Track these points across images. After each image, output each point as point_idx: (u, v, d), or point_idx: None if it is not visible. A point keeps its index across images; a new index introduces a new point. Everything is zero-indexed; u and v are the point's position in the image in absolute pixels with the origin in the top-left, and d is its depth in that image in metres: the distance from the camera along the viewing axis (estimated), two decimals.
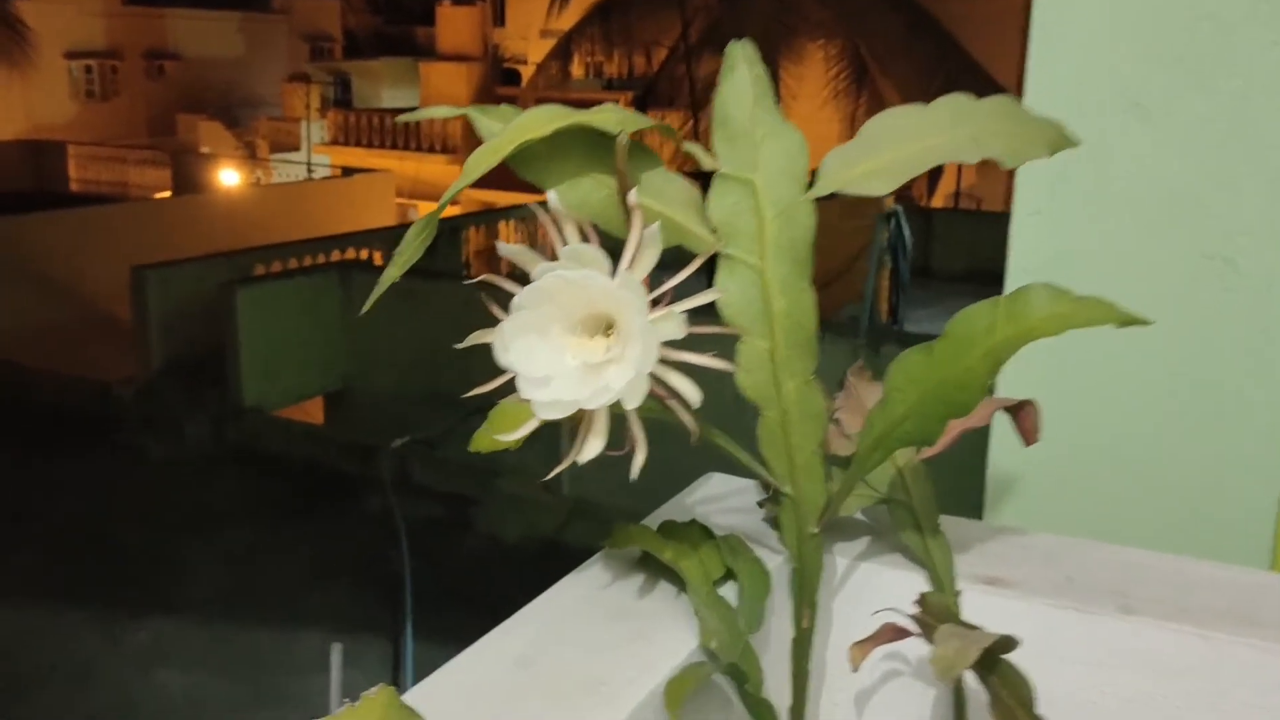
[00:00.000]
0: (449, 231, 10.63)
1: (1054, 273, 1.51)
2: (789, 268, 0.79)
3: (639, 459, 0.73)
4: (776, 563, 0.99)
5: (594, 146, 0.79)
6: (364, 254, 9.63)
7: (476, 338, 0.73)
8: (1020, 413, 0.99)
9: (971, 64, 13.46)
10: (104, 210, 12.88)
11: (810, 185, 0.78)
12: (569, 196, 0.79)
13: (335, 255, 9.02)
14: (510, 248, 0.71)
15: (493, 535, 6.03)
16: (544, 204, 0.75)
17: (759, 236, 0.79)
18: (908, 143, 0.77)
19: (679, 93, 14.59)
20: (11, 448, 7.27)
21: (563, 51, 15.97)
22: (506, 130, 0.76)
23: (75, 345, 9.30)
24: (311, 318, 7.85)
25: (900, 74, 14.15)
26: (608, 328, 0.73)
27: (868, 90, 15.03)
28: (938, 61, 13.22)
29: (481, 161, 0.75)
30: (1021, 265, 1.52)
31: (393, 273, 0.77)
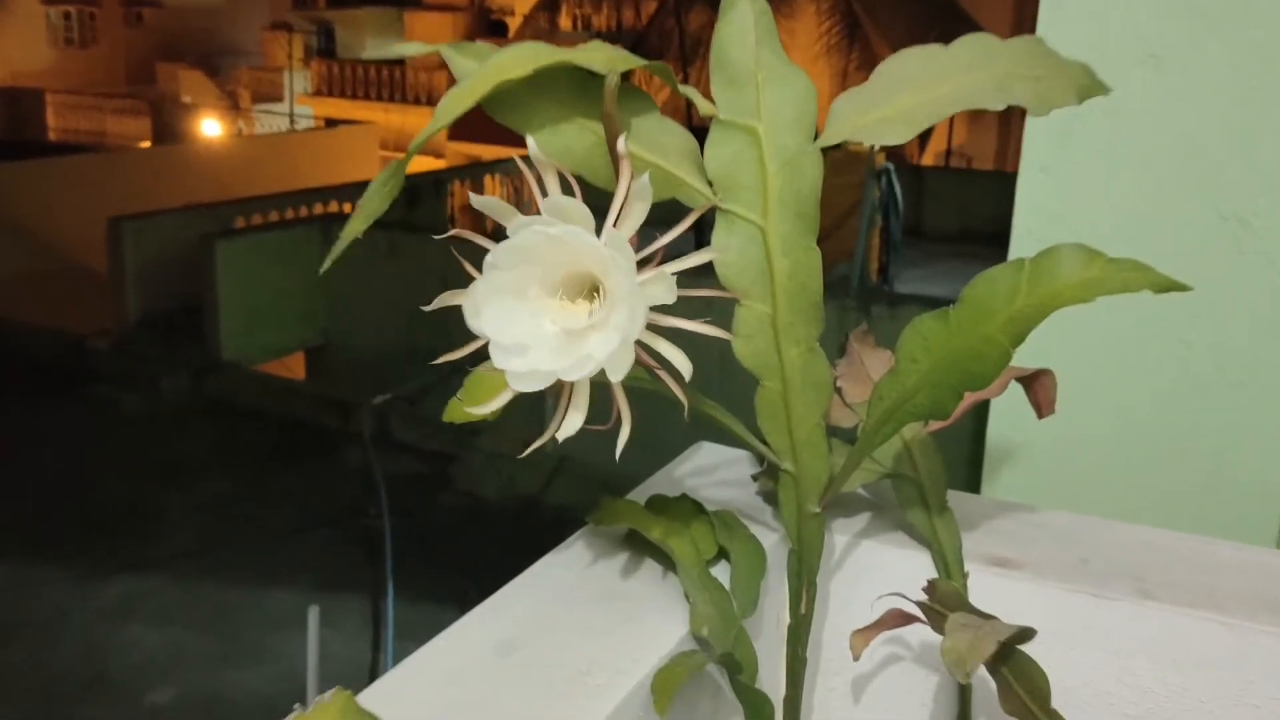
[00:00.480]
0: (433, 185, 10.48)
1: (1060, 233, 1.44)
2: (793, 224, 0.72)
3: (624, 434, 0.67)
4: (771, 541, 0.93)
5: (579, 89, 0.72)
6: (347, 207, 9.49)
7: (445, 299, 0.66)
8: (1035, 383, 0.92)
9: (965, 17, 13.31)
10: (81, 159, 12.64)
11: (817, 135, 0.71)
12: (550, 144, 0.72)
13: (318, 208, 8.87)
14: (485, 200, 0.64)
15: (472, 493, 5.97)
16: (525, 155, 0.67)
17: (761, 190, 0.72)
18: (927, 87, 0.69)
19: (668, 46, 14.39)
20: None
21: (550, 3, 15.73)
22: (482, 69, 0.68)
23: (51, 297, 9.16)
24: (292, 272, 7.71)
25: (893, 28, 13.98)
26: (591, 290, 0.66)
27: (859, 45, 14.86)
28: (931, 15, 13.06)
29: (455, 104, 0.68)
30: (1027, 225, 1.45)
31: (355, 227, 0.69)
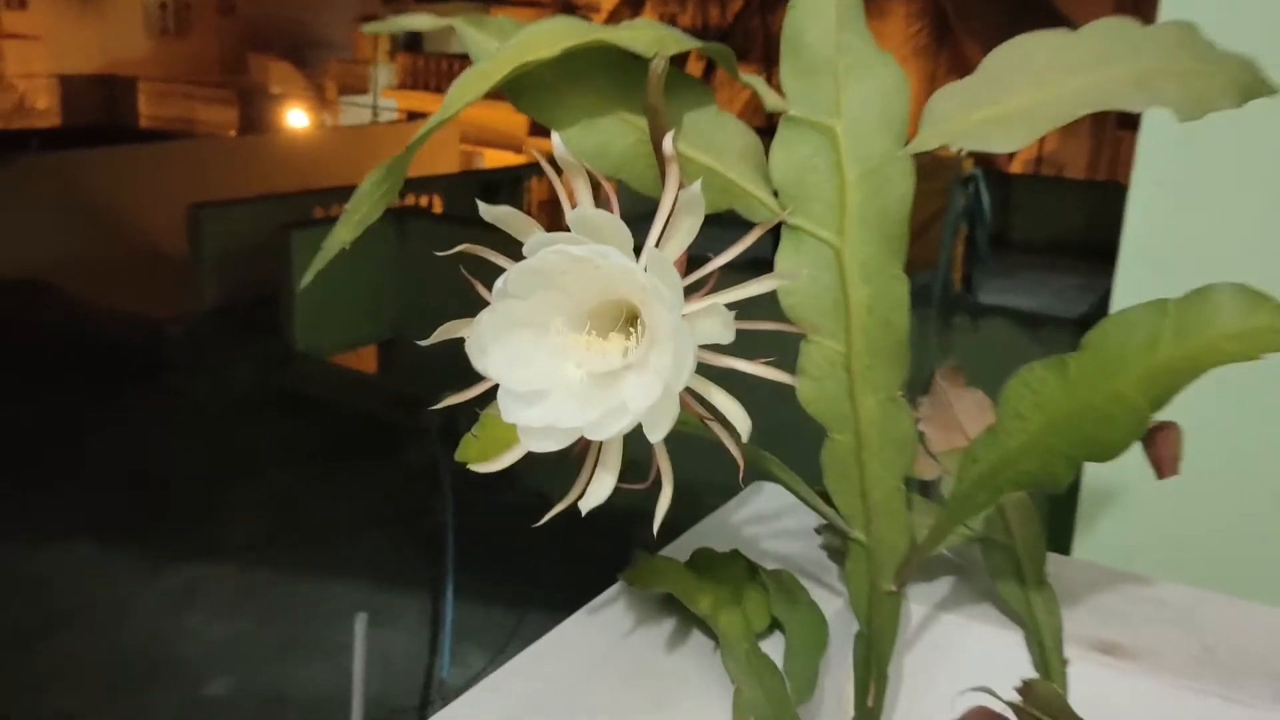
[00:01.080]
0: (511, 182, 10.45)
1: (1175, 257, 1.29)
2: (876, 246, 0.59)
3: (664, 500, 0.54)
4: (836, 607, 0.80)
5: (620, 75, 0.60)
6: (423, 200, 9.47)
7: (446, 332, 0.54)
8: (1156, 438, 0.78)
9: (1062, 18, 12.93)
10: (166, 147, 12.82)
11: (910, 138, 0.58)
12: (583, 142, 0.60)
13: (394, 201, 8.82)
14: (496, 210, 0.52)
15: (539, 493, 5.89)
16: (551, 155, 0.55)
17: (838, 203, 0.59)
18: (1049, 83, 0.56)
19: (753, 47, 14.22)
20: (60, 382, 7.26)
21: (635, 0, 15.62)
22: (503, 49, 0.56)
23: (134, 282, 9.28)
24: (366, 264, 7.70)
25: (984, 29, 13.63)
26: (628, 322, 0.54)
27: (949, 47, 14.53)
28: (1026, 16, 12.70)
29: (467, 89, 0.56)
30: (1138, 245, 1.30)
31: (343, 235, 0.58)
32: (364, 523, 5.66)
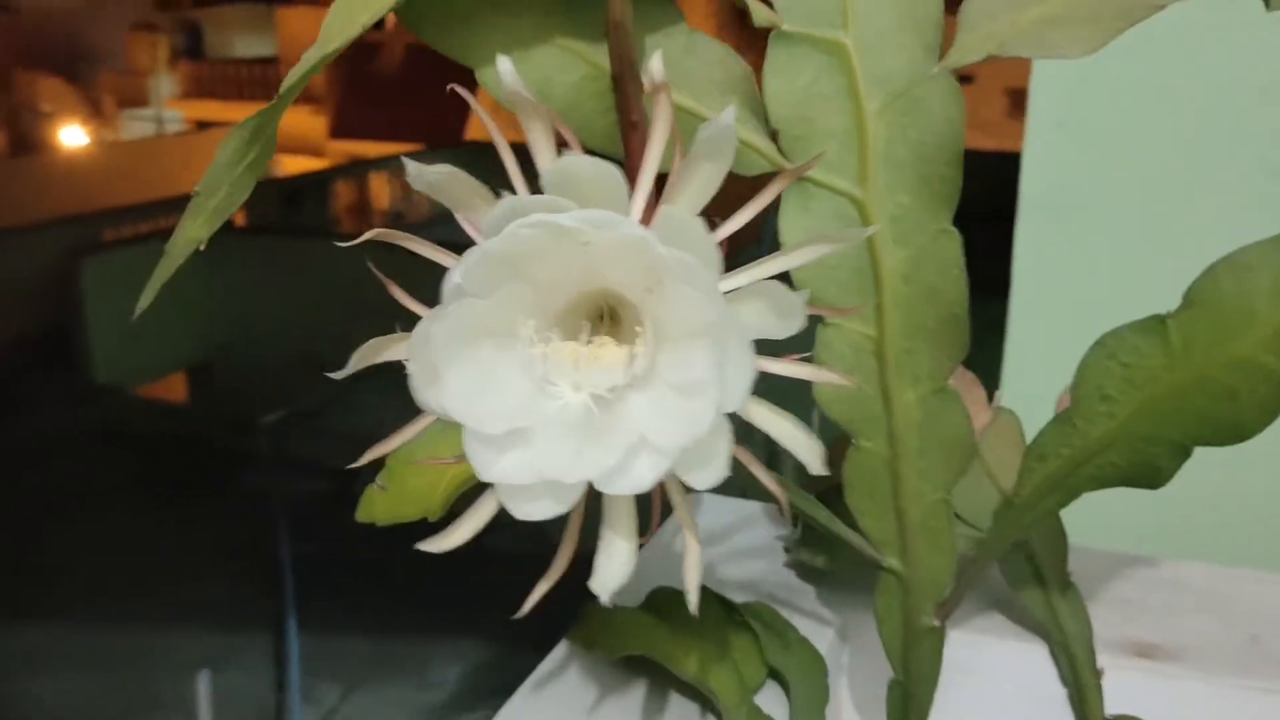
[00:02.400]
0: (315, 186, 9.98)
1: (1081, 201, 1.21)
2: (912, 194, 0.45)
3: (693, 575, 0.40)
4: (827, 641, 0.67)
5: None
6: None
7: (365, 357, 0.38)
8: None
9: None
10: None
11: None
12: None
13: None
14: (431, 171, 0.36)
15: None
16: (458, 106, 0.40)
17: (856, 142, 0.45)
18: None
19: None
20: None
21: None
22: None
23: None
24: (169, 285, 7.18)
25: None
26: (602, 318, 0.40)
27: None
28: None
29: (351, 12, 0.40)
30: (1038, 192, 1.21)
31: (194, 232, 0.41)
32: (195, 561, 5.27)
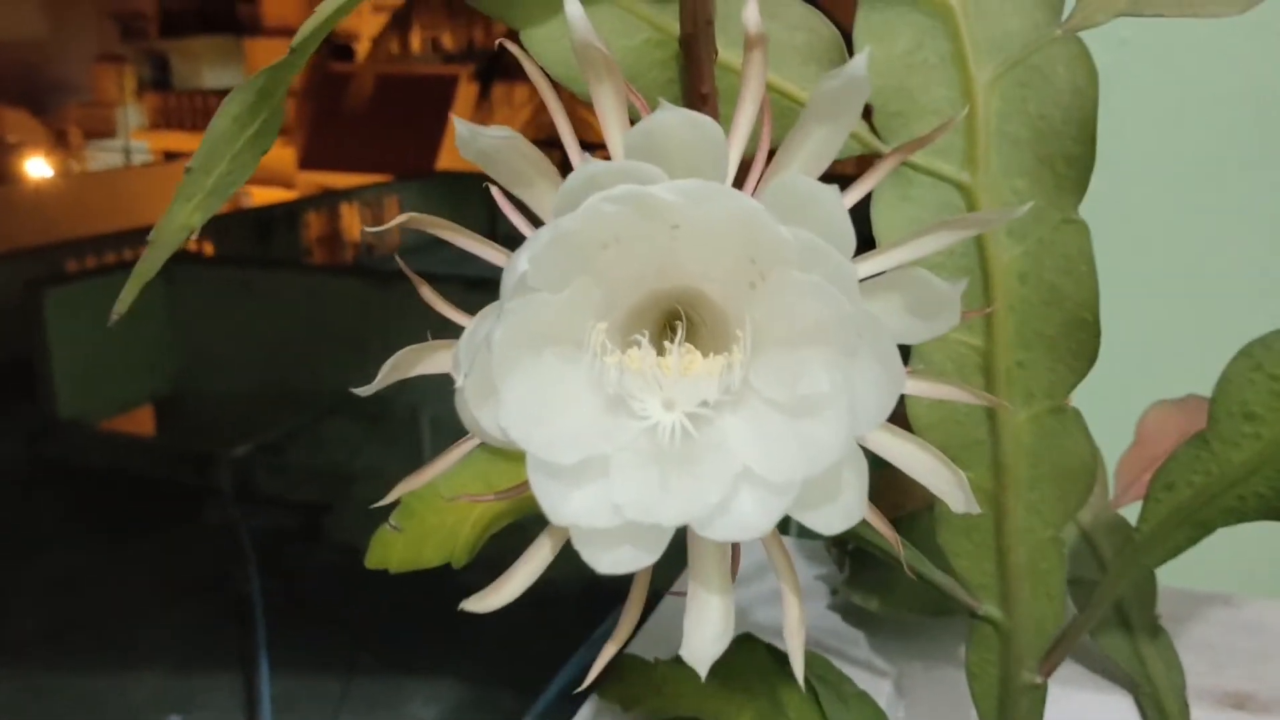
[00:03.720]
0: (286, 217, 9.87)
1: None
2: (1030, 179, 0.39)
3: (796, 643, 0.33)
4: (885, 694, 0.60)
5: None
6: (191, 245, 8.79)
7: (399, 369, 0.31)
8: None
9: None
10: None
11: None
12: (558, 49, 0.38)
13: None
14: (488, 135, 0.29)
15: (351, 547, 5.50)
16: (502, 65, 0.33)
17: (965, 119, 0.39)
18: None
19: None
20: None
21: (400, 23, 15.11)
22: None
23: None
24: (134, 317, 7.04)
25: None
26: (671, 325, 0.33)
27: None
28: None
29: None
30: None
31: (185, 218, 0.34)
32: (161, 600, 5.12)
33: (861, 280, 0.30)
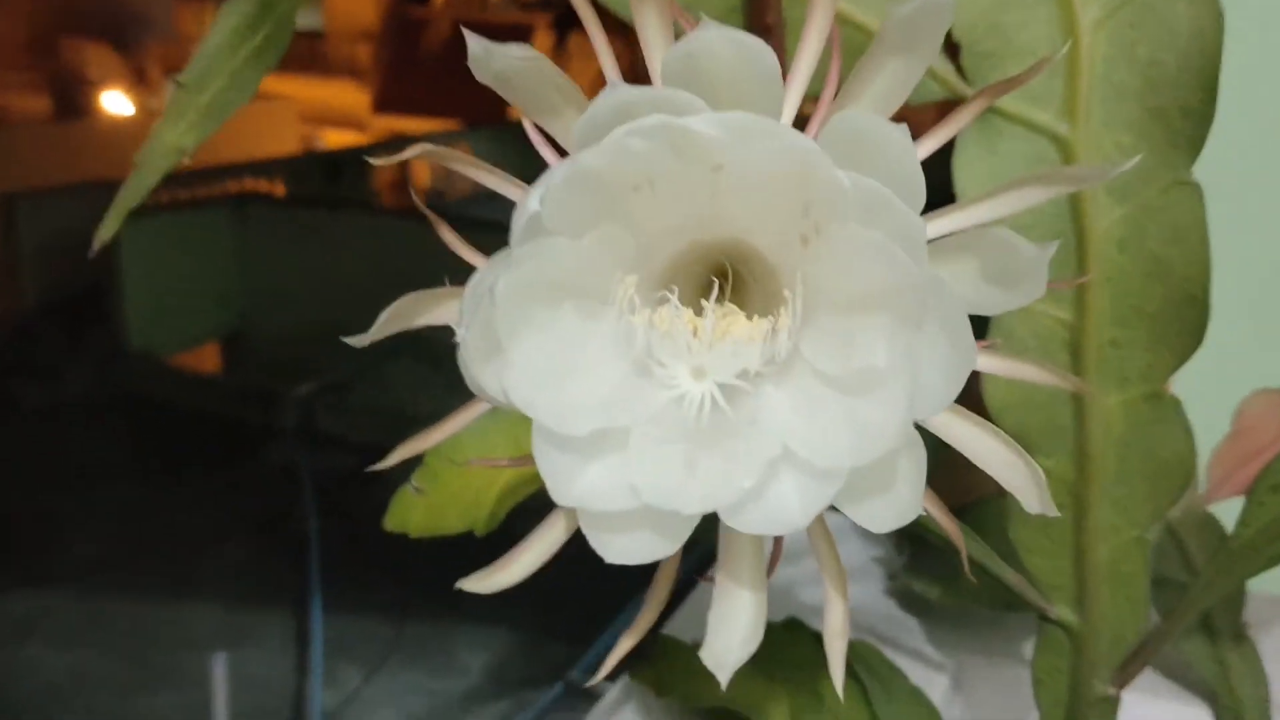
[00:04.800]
0: (356, 162, 9.91)
1: None
2: (1139, 133, 0.34)
3: (838, 648, 0.29)
4: (940, 689, 0.56)
5: None
6: (263, 185, 8.86)
7: (398, 318, 0.27)
8: None
9: None
10: None
11: None
12: None
13: (231, 186, 8.23)
14: (503, 54, 0.25)
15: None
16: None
17: (1064, 63, 0.34)
18: None
19: (607, 14, 13.86)
20: None
21: None
22: None
23: None
24: (204, 254, 7.11)
25: None
26: (716, 282, 0.28)
27: None
28: None
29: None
30: None
31: (175, 138, 0.30)
32: (219, 535, 5.21)
33: (933, 240, 0.26)
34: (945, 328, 0.24)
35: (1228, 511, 0.56)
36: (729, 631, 0.27)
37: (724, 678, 0.27)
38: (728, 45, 0.24)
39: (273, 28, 0.30)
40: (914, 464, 0.25)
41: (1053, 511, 0.26)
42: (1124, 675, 0.41)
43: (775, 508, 0.25)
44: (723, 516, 0.25)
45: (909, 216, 0.24)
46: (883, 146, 0.24)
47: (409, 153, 0.29)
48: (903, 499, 0.25)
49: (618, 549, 0.25)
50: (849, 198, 0.23)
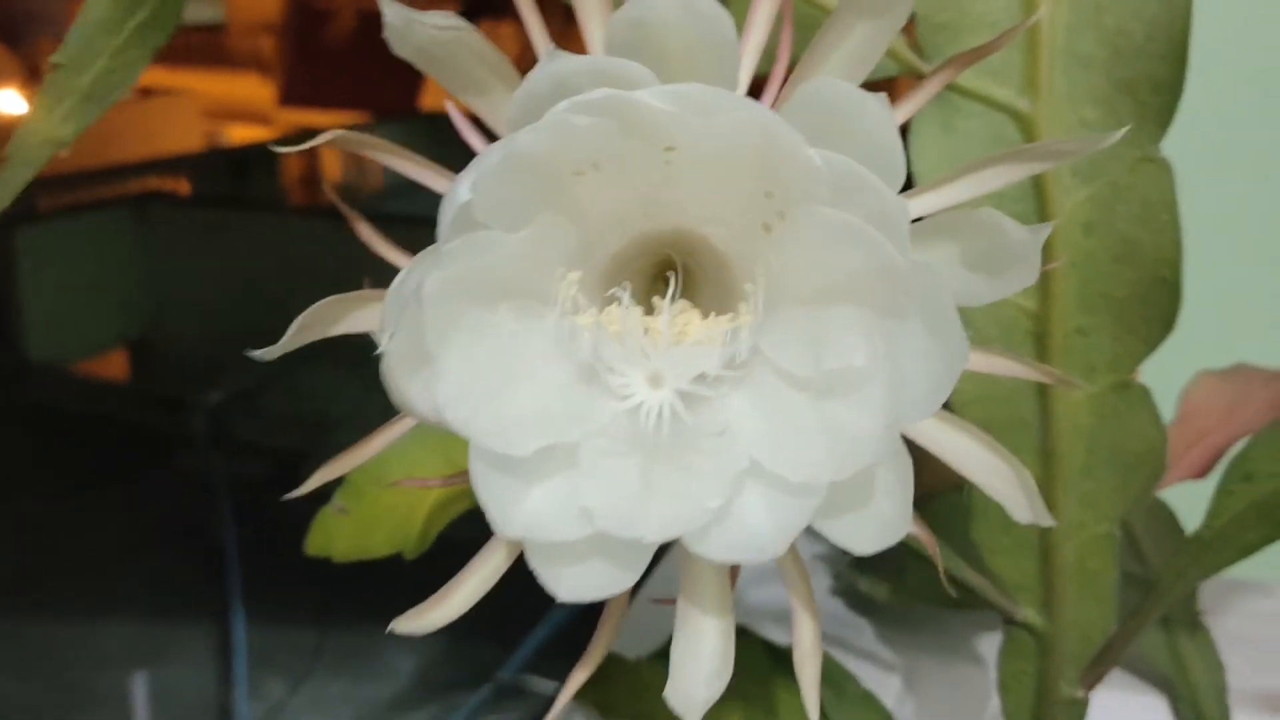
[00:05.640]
0: (263, 159, 9.69)
1: None
2: (1105, 106, 0.32)
3: (810, 672, 0.27)
4: (893, 690, 0.54)
5: None
6: (165, 184, 8.60)
7: (311, 326, 0.24)
8: None
9: None
10: None
11: None
12: None
13: (133, 186, 7.99)
14: (426, 25, 0.22)
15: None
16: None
17: (1025, 36, 0.32)
18: None
19: None
20: None
21: None
22: None
23: None
24: (106, 258, 6.90)
25: None
26: (662, 277, 0.26)
27: None
28: None
29: None
30: None
31: (53, 129, 0.27)
32: (133, 549, 5.06)
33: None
34: (930, 321, 0.22)
35: (1176, 496, 0.55)
36: (695, 666, 0.25)
37: (694, 718, 0.24)
38: (680, 10, 0.21)
39: (159, 3, 0.26)
40: (898, 476, 0.22)
41: (1047, 521, 0.24)
42: (1092, 676, 0.39)
43: (744, 530, 0.22)
44: (687, 543, 0.22)
45: (888, 196, 0.21)
46: (856, 118, 0.21)
47: (322, 139, 0.26)
48: (887, 515, 0.22)
49: (570, 584, 0.22)
50: (819, 177, 0.21)
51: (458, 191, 0.21)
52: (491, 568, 0.26)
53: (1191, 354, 0.57)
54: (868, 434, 0.22)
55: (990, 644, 0.56)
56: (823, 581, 0.61)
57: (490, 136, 0.26)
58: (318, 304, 0.24)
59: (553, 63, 0.20)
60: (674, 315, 0.24)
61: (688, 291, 0.26)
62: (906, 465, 0.23)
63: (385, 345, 0.22)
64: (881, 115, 0.21)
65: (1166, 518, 0.53)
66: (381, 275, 0.25)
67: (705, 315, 0.25)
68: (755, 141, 0.21)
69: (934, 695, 0.55)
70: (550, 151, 0.21)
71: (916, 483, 0.45)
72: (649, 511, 0.22)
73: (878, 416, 0.22)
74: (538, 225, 0.22)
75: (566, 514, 0.22)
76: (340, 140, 0.26)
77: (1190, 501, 0.50)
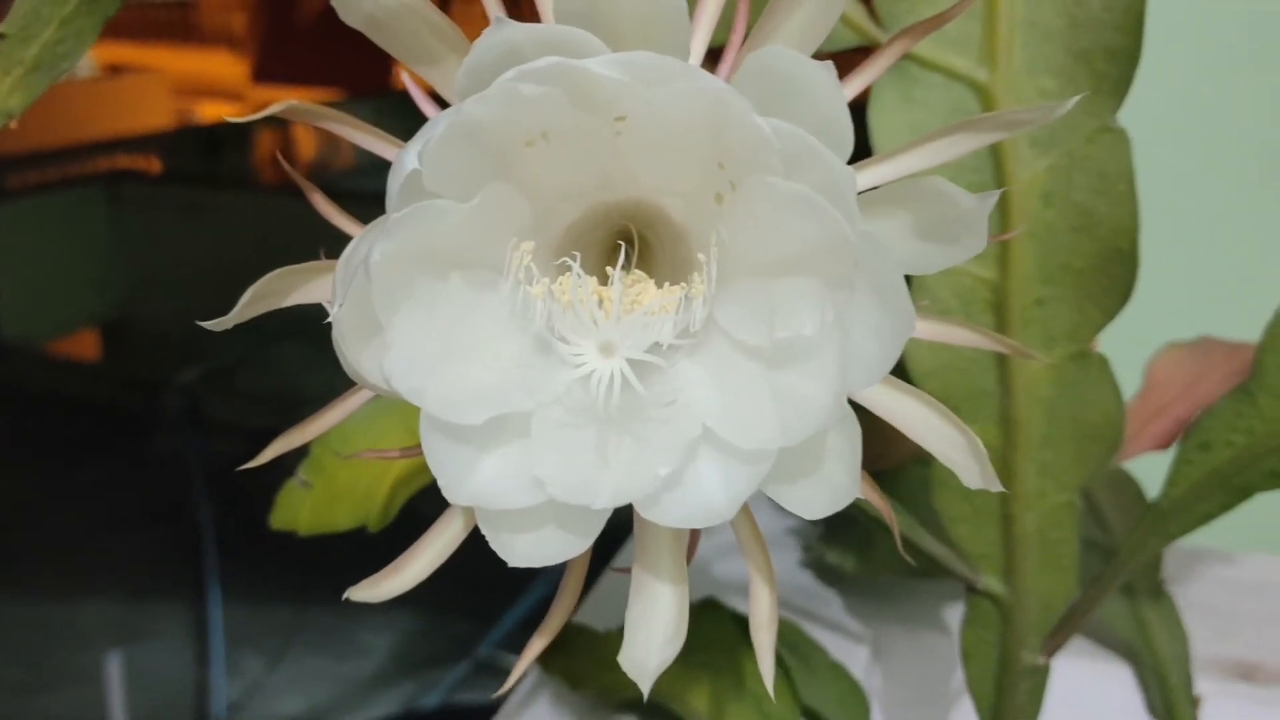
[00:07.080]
0: (236, 136, 9.60)
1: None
2: (1063, 77, 0.32)
3: (766, 641, 0.27)
4: (861, 661, 0.55)
5: None
6: (136, 162, 8.51)
7: (263, 297, 0.24)
8: None
9: None
10: None
11: None
12: None
13: (103, 164, 7.89)
14: None
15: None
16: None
17: (985, 7, 0.32)
18: None
19: None
20: None
21: None
22: None
23: None
24: (77, 236, 6.83)
25: None
26: (616, 249, 0.26)
27: None
28: None
29: None
30: None
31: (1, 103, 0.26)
32: (109, 529, 5.03)
33: (859, 194, 0.24)
34: (879, 289, 0.22)
35: (1141, 467, 0.55)
36: (649, 632, 0.25)
37: (646, 685, 0.25)
38: None
39: None
40: (847, 442, 0.22)
41: (996, 486, 0.24)
42: (1053, 643, 0.40)
43: (697, 496, 0.22)
44: (638, 509, 0.22)
45: (837, 166, 0.21)
46: (805, 88, 0.21)
47: (273, 109, 0.26)
48: (836, 481, 0.22)
49: (522, 550, 0.22)
50: (769, 147, 0.21)
51: (405, 160, 0.21)
52: (448, 538, 0.26)
53: (1161, 327, 0.57)
54: (818, 401, 0.22)
55: (958, 614, 0.57)
56: (793, 554, 0.62)
57: (446, 108, 0.26)
58: (270, 275, 0.24)
59: (501, 30, 0.20)
60: (628, 285, 0.24)
61: (646, 263, 0.26)
62: (855, 431, 0.23)
63: (335, 314, 0.21)
64: (829, 84, 0.21)
65: (1131, 488, 0.53)
66: (339, 249, 0.25)
67: (662, 285, 0.25)
68: (705, 111, 0.21)
69: (902, 665, 0.55)
70: (498, 121, 0.21)
71: (885, 458, 0.46)
72: (601, 479, 0.22)
73: (828, 384, 0.22)
74: (488, 195, 0.22)
75: (519, 482, 0.22)
76: (290, 111, 0.25)
77: (1158, 474, 0.51)
